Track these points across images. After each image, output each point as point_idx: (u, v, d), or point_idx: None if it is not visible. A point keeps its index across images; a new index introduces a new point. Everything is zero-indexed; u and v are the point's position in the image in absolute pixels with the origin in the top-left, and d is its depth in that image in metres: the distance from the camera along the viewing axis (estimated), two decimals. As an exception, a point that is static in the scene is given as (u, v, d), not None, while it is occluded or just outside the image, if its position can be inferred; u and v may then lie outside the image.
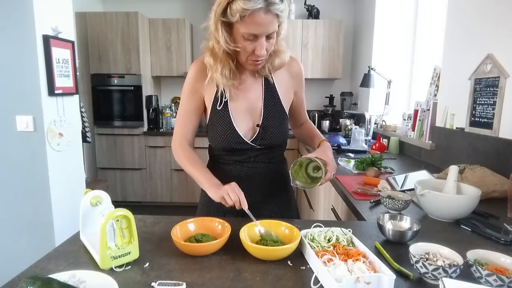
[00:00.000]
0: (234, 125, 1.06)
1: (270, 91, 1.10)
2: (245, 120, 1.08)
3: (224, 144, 1.08)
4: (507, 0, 1.45)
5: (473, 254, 0.71)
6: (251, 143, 1.08)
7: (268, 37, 0.93)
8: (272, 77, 1.10)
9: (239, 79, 1.07)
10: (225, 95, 1.06)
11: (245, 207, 0.91)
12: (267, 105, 1.08)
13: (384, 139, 2.59)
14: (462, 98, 1.74)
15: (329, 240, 0.81)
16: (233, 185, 0.95)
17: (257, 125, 1.07)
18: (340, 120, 3.35)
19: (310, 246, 0.77)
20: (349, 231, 0.84)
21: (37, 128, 1.97)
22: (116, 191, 3.83)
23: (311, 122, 1.25)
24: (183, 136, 1.12)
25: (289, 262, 0.75)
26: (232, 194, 0.92)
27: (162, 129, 3.88)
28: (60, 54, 2.06)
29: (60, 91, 2.06)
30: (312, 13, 3.79)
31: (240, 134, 1.06)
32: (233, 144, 1.07)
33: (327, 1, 3.96)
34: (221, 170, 1.13)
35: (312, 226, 0.88)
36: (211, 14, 0.93)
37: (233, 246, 0.82)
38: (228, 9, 0.88)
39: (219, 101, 1.07)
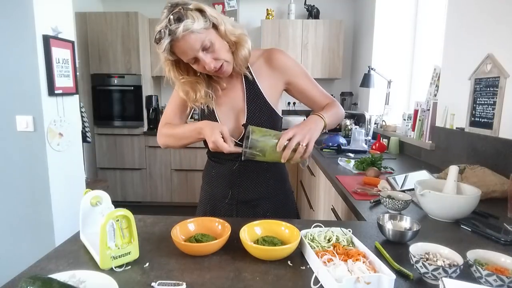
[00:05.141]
0: None
1: (251, 89, 1.08)
2: (231, 120, 1.09)
3: None
4: (507, 0, 1.45)
5: (473, 254, 0.71)
6: (238, 142, 1.08)
7: (206, 49, 0.93)
8: (252, 74, 1.08)
9: (218, 89, 1.08)
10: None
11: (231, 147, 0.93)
12: (250, 103, 1.07)
13: (384, 139, 2.59)
14: (462, 98, 1.74)
15: (329, 240, 0.81)
16: (215, 124, 0.96)
17: (242, 125, 1.07)
18: (340, 120, 3.35)
19: (310, 246, 0.77)
20: (349, 231, 0.84)
21: (37, 128, 1.97)
22: (116, 191, 3.83)
23: (337, 104, 1.11)
24: (169, 120, 1.15)
25: (289, 262, 0.75)
26: (216, 137, 0.92)
27: (162, 129, 3.88)
28: (60, 54, 2.06)
29: (60, 91, 2.06)
30: (312, 13, 3.80)
31: None
32: None
33: (327, 1, 3.96)
34: (216, 168, 1.16)
35: (312, 226, 0.88)
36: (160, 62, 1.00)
37: (233, 246, 0.82)
38: None
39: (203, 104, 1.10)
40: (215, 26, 0.94)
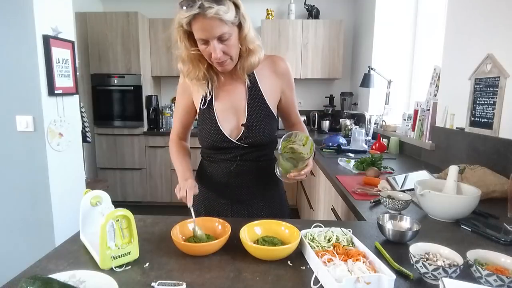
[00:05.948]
0: (219, 124, 1.08)
1: (253, 90, 1.09)
2: (230, 119, 1.09)
3: (210, 143, 1.11)
4: (507, 0, 1.45)
5: (473, 254, 0.71)
6: (236, 142, 1.08)
7: (221, 40, 0.92)
8: (255, 77, 1.09)
9: (216, 81, 1.08)
10: (208, 95, 1.09)
11: (189, 204, 0.94)
12: (250, 104, 1.08)
13: (384, 139, 2.59)
14: (462, 98, 1.74)
15: (329, 240, 0.81)
16: (188, 183, 0.99)
17: (242, 125, 1.08)
18: (340, 120, 3.36)
19: (310, 246, 0.77)
20: (349, 231, 0.84)
21: (37, 128, 1.97)
22: (116, 191, 3.83)
23: (304, 126, 1.22)
24: (175, 133, 1.22)
25: (289, 262, 0.75)
26: (179, 192, 0.98)
27: (162, 129, 3.88)
28: (60, 54, 2.06)
29: (60, 91, 2.06)
30: (312, 13, 3.79)
31: (225, 133, 1.08)
32: (219, 143, 1.09)
33: (327, 1, 3.96)
34: (211, 168, 1.17)
35: (312, 226, 0.88)
36: (172, 25, 0.97)
37: (233, 246, 0.82)
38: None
39: (203, 101, 1.10)
40: (240, 26, 0.95)
